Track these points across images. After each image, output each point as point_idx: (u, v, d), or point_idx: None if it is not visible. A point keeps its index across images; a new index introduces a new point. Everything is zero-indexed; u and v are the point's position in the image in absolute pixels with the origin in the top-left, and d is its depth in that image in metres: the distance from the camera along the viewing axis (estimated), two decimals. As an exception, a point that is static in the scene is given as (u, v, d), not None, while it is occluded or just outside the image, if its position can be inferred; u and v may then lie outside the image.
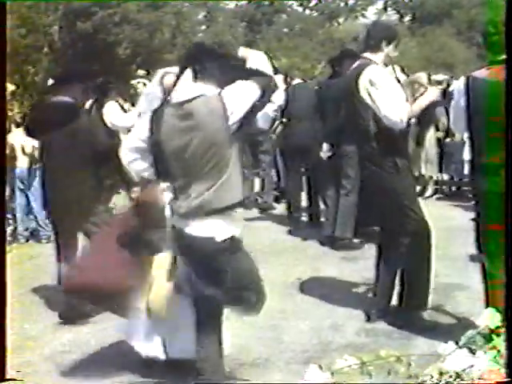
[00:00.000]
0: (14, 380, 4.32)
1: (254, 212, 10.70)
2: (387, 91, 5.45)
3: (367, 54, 5.68)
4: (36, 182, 9.07)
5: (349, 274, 7.20)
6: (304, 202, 9.81)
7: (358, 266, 7.37)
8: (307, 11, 48.34)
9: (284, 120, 9.91)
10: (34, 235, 9.26)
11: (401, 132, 5.51)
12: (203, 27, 44.67)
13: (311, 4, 47.61)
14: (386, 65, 5.79)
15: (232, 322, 5.85)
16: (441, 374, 2.77)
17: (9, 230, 8.71)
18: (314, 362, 4.61)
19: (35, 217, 9.20)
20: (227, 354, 5.24)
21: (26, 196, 9.19)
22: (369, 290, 6.37)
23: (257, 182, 11.27)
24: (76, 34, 31.91)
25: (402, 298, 5.70)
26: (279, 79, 6.07)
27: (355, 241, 8.23)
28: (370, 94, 5.50)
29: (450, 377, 2.75)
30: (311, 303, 6.44)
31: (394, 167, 5.49)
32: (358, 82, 5.55)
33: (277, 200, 11.10)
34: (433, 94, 5.91)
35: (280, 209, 10.76)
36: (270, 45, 42.79)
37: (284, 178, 11.09)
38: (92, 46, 29.93)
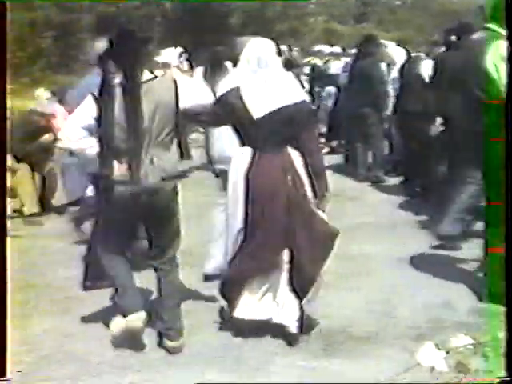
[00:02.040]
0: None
1: (365, 185, 10.60)
2: None
3: (493, 26, 5.49)
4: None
5: (460, 252, 7.06)
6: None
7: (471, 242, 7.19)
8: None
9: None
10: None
11: None
12: (314, -1, 44.28)
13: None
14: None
15: (342, 294, 5.92)
16: None
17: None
18: (426, 339, 4.61)
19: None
20: (337, 325, 5.27)
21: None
22: (479, 268, 6.24)
23: (369, 154, 11.13)
24: (188, 3, 32.16)
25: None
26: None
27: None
28: (497, 70, 5.33)
29: None
30: (423, 279, 6.34)
31: None
32: (486, 56, 5.39)
33: (388, 173, 10.96)
34: None
35: (391, 182, 10.63)
36: (382, 17, 42.15)
37: (398, 151, 10.98)
38: (204, 16, 30.10)
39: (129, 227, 5.12)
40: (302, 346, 5.04)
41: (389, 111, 10.49)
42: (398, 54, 11.05)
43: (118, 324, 5.05)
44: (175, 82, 4.89)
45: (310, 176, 5.05)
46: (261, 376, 4.63)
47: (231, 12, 32.06)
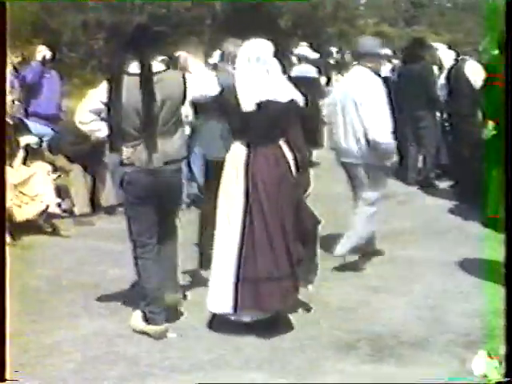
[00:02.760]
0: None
1: (414, 189, 10.51)
2: None
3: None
4: (196, 149, 9.20)
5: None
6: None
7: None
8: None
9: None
10: (195, 202, 9.41)
11: None
12: (364, 1, 44.06)
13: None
14: None
15: (391, 299, 5.88)
16: None
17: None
18: (476, 347, 4.56)
19: (197, 183, 9.36)
20: (386, 331, 5.24)
21: (188, 162, 9.32)
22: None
23: (420, 158, 11.04)
24: (239, 5, 32.22)
25: None
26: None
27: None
28: None
29: None
30: (473, 284, 6.26)
31: None
32: None
33: (438, 177, 10.85)
34: None
35: (441, 186, 10.53)
36: (433, 19, 41.79)
37: (447, 155, 10.88)
38: (254, 18, 30.12)
39: (143, 210, 5.34)
40: (351, 351, 5.01)
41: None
42: (447, 57, 10.95)
43: (137, 324, 5.35)
44: (184, 76, 5.30)
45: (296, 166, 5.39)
46: (310, 381, 4.61)
47: (281, 14, 32.05)
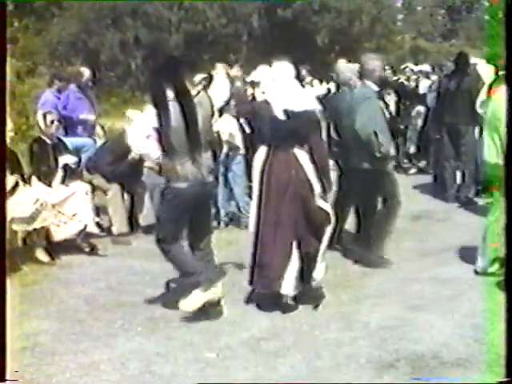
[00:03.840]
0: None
1: (454, 206, 10.40)
2: None
3: None
4: (237, 168, 9.21)
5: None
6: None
7: None
8: (510, -3, 46.31)
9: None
10: (233, 220, 9.42)
11: None
12: (401, 16, 43.95)
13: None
14: None
15: (432, 318, 5.80)
16: None
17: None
18: (518, 366, 4.46)
19: (236, 203, 9.37)
20: (427, 350, 5.17)
21: (227, 181, 9.34)
22: None
23: (458, 174, 10.92)
24: (275, 21, 32.32)
25: None
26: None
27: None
28: None
29: None
30: (514, 304, 6.15)
31: None
32: None
33: (478, 194, 10.72)
34: None
35: (481, 203, 10.39)
36: (471, 33, 41.56)
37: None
38: (291, 34, 30.20)
39: (185, 216, 6.00)
40: (391, 369, 4.95)
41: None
42: (486, 72, 10.85)
43: (197, 299, 5.80)
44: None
45: (318, 172, 6.16)
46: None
47: (318, 30, 32.08)
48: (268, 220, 6.14)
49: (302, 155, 6.14)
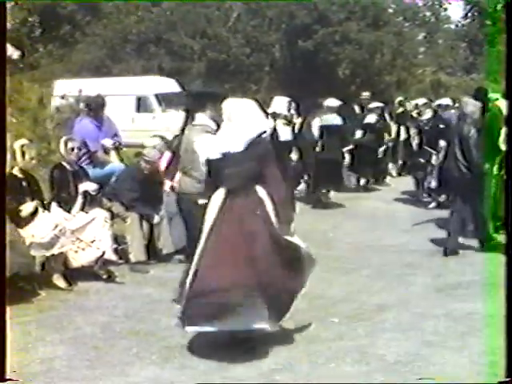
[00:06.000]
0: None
1: (472, 242, 10.33)
2: None
3: None
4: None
5: None
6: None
7: None
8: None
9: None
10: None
11: None
12: (423, 49, 44.01)
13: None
14: None
15: (447, 353, 5.77)
16: None
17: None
18: None
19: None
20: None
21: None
22: None
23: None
24: (297, 52, 32.50)
25: None
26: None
27: None
28: None
29: None
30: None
31: None
32: None
33: (497, 230, 10.63)
34: None
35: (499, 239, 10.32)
36: (492, 67, 41.53)
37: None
38: (312, 65, 30.37)
39: None
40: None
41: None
42: (506, 107, 10.83)
43: None
44: None
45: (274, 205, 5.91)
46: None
47: (339, 61, 32.21)
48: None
49: (263, 193, 5.99)
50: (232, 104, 6.37)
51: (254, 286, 5.67)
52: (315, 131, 14.03)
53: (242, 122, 6.10)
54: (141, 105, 24.02)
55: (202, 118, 7.59)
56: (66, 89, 18.21)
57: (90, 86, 16.63)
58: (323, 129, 13.96)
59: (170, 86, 25.18)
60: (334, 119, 14.11)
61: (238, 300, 5.62)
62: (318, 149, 13.99)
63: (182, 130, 8.20)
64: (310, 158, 14.19)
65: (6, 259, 4.76)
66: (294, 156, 14.48)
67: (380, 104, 16.30)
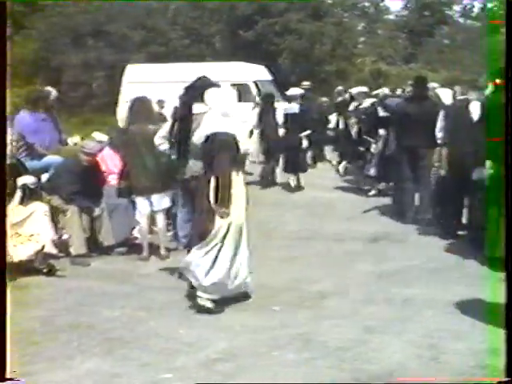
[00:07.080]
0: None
1: (412, 228, 10.46)
2: None
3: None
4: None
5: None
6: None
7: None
8: (469, 21, 46.76)
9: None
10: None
11: None
12: (363, 39, 44.38)
13: (473, 14, 46.22)
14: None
15: (387, 338, 5.85)
16: None
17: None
18: (472, 386, 4.52)
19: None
20: (385, 370, 5.20)
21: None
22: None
23: (416, 196, 11.00)
24: (238, 42, 32.51)
25: None
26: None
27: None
28: None
29: None
30: (469, 324, 6.21)
31: None
32: None
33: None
34: None
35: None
36: (431, 57, 42.04)
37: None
38: (253, 55, 30.34)
39: None
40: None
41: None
42: (445, 96, 10.98)
43: None
44: None
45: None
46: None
47: (280, 52, 32.29)
48: None
49: None
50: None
51: None
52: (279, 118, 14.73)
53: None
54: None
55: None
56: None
57: (184, 72, 15.95)
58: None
59: (263, 73, 23.88)
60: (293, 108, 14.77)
61: None
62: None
63: None
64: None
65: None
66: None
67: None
